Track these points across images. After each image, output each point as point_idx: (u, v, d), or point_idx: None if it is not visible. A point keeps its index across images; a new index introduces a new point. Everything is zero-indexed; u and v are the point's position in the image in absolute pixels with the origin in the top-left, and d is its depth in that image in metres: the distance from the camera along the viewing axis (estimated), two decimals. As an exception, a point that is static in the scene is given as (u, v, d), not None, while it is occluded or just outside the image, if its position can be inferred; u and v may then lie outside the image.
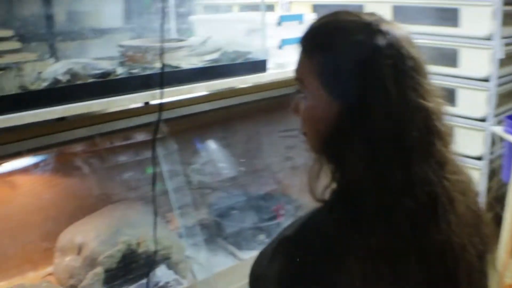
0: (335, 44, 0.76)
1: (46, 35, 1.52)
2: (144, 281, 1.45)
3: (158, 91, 1.32)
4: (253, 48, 1.64)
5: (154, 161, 1.33)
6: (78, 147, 1.44)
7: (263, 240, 1.71)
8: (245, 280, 1.56)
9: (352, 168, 0.72)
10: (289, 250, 0.77)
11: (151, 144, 1.35)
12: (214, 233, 1.72)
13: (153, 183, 1.33)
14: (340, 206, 0.75)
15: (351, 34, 0.75)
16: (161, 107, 1.33)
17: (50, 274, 1.59)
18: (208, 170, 1.78)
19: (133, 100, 1.31)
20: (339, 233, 0.72)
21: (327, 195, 0.77)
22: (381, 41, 0.73)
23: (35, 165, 1.44)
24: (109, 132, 1.38)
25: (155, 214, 1.35)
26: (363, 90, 0.72)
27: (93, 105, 1.22)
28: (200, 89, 1.44)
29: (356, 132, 0.72)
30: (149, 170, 1.45)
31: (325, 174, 0.76)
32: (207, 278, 1.47)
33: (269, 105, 1.79)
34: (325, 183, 0.76)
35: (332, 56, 0.76)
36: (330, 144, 0.76)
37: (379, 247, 0.70)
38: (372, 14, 0.78)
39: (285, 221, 1.80)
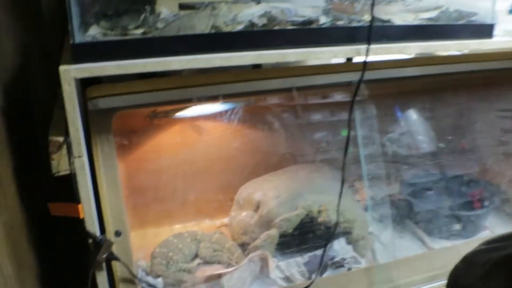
0: None
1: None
2: (319, 252, 1.47)
3: (363, 46, 1.27)
4: (479, 10, 1.49)
5: (350, 124, 1.30)
6: (270, 99, 1.47)
7: (459, 231, 1.60)
8: (431, 272, 1.51)
9: None
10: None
11: (349, 105, 1.32)
12: (403, 213, 1.66)
13: (346, 148, 1.30)
14: None
15: None
16: (365, 65, 1.28)
17: (225, 225, 1.69)
18: (406, 141, 1.70)
19: (334, 54, 1.28)
20: None
21: None
22: None
23: (224, 113, 1.51)
24: (304, 87, 1.38)
25: (342, 182, 1.33)
26: None
27: (288, 54, 1.21)
28: (411, 49, 1.34)
29: None
30: (344, 133, 1.44)
31: None
32: (388, 262, 1.43)
33: (488, 78, 1.63)
34: None
35: None
36: None
37: None
38: None
39: (487, 214, 1.66)
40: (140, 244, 1.56)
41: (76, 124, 1.02)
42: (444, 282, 1.44)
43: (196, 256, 1.50)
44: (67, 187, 1.06)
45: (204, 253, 1.47)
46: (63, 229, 1.21)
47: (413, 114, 1.73)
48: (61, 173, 1.05)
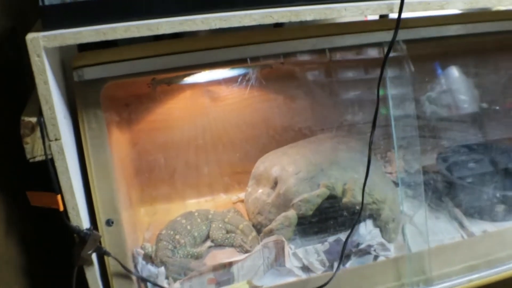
0: None
1: None
2: (342, 236, 1.29)
3: (397, 1, 1.05)
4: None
5: (379, 92, 1.09)
6: (291, 62, 1.26)
7: (503, 213, 1.38)
8: (470, 262, 1.29)
9: None
10: None
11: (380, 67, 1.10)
12: (439, 190, 1.45)
13: (374, 120, 1.09)
14: None
15: None
16: (398, 24, 1.05)
17: (241, 200, 1.53)
18: (445, 104, 1.47)
19: (361, 11, 1.04)
20: None
21: None
22: None
23: (239, 77, 1.32)
24: (330, 49, 1.16)
25: (369, 160, 1.13)
26: None
27: (303, 12, 0.97)
28: (455, 4, 1.11)
29: None
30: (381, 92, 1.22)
31: None
32: (420, 251, 1.22)
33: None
34: None
35: None
36: None
37: None
38: None
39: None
40: (150, 221, 1.41)
41: (50, 102, 0.85)
42: (485, 273, 1.26)
43: (207, 237, 1.33)
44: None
45: (215, 235, 1.31)
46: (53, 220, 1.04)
47: (454, 74, 1.49)
48: (37, 159, 0.88)
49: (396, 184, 1.46)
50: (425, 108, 1.54)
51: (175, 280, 1.18)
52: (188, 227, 1.30)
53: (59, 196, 0.89)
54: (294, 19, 0.92)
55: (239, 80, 1.28)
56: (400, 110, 1.23)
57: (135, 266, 1.15)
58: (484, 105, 1.63)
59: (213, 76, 1.28)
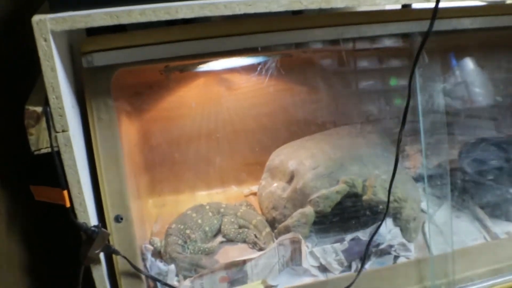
0: None
1: None
2: (360, 235, 1.22)
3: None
4: None
5: (410, 88, 1.01)
6: (311, 52, 1.19)
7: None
8: (494, 265, 1.22)
9: None
10: None
11: (403, 61, 1.02)
12: (461, 187, 1.38)
13: (404, 117, 1.01)
14: None
15: None
16: (435, 13, 0.97)
17: (254, 193, 1.46)
18: (468, 97, 1.39)
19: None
20: None
21: None
22: None
23: (256, 66, 1.24)
24: (352, 39, 1.08)
25: (397, 158, 1.06)
26: None
27: None
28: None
29: None
30: (393, 82, 1.15)
31: None
32: (442, 253, 1.15)
33: None
34: None
35: None
36: None
37: None
38: None
39: None
40: (158, 213, 1.35)
41: (57, 90, 0.78)
42: (510, 277, 1.19)
43: (218, 232, 1.27)
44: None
45: (227, 230, 1.24)
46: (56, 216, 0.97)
47: (469, 67, 1.41)
48: (43, 151, 0.81)
49: (416, 179, 1.40)
50: (447, 104, 1.46)
51: (185, 277, 1.12)
52: (199, 221, 1.23)
53: (65, 192, 0.82)
54: (324, 5, 0.84)
55: (257, 68, 1.21)
56: (426, 104, 1.16)
57: (144, 263, 1.09)
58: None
59: (229, 64, 1.21)
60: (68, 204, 0.82)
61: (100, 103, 0.91)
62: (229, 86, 1.29)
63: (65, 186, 0.82)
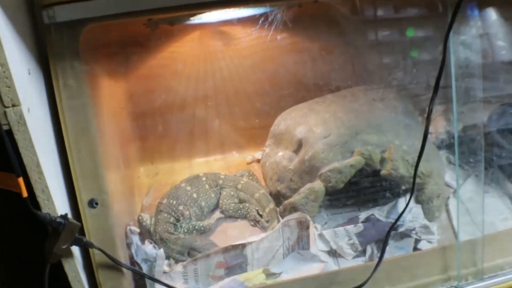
0: None
1: None
2: (377, 213, 1.07)
3: None
4: None
5: (446, 48, 0.82)
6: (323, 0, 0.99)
7: None
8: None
9: None
10: None
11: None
12: (489, 157, 1.21)
13: (438, 80, 0.83)
14: None
15: None
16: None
17: (257, 160, 1.30)
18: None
19: None
20: None
21: None
22: None
23: (258, 17, 1.05)
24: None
25: (426, 132, 0.88)
26: None
27: None
28: None
29: None
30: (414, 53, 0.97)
31: None
32: (469, 239, 0.99)
33: None
34: None
35: None
36: None
37: None
38: None
39: None
40: (150, 183, 1.20)
41: (1, 56, 0.61)
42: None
43: (215, 207, 1.12)
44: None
45: (226, 205, 1.10)
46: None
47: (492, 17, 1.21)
48: (-9, 130, 0.65)
49: (438, 146, 1.24)
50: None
51: (177, 261, 0.98)
52: (194, 195, 1.08)
53: (20, 179, 0.66)
54: None
55: (259, 20, 1.02)
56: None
57: (129, 247, 0.95)
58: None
59: (227, 16, 1.02)
60: (24, 194, 0.67)
61: (66, 67, 0.75)
62: (228, 41, 1.11)
63: (19, 172, 0.66)
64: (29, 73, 0.70)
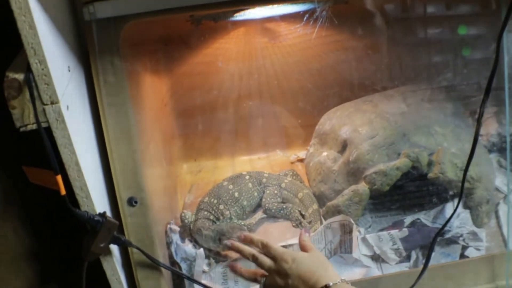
0: None
1: None
2: (423, 218, 1.01)
3: None
4: None
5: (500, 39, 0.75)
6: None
7: None
8: None
9: None
10: None
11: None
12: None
13: (490, 78, 0.76)
14: None
15: None
16: None
17: (300, 159, 1.26)
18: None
19: None
20: None
21: None
22: None
23: (304, 14, 1.01)
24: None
25: (476, 136, 0.82)
26: None
27: None
28: None
29: None
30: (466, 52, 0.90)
31: None
32: None
33: None
34: None
35: None
36: None
37: None
38: None
39: None
40: (193, 181, 1.18)
41: (40, 53, 0.59)
42: None
43: (258, 207, 1.09)
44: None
45: (269, 204, 1.05)
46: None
47: None
48: (30, 127, 0.63)
49: (489, 150, 1.16)
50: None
51: (217, 261, 0.95)
52: (236, 194, 1.05)
53: (59, 177, 0.64)
54: None
55: (304, 17, 0.97)
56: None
57: (168, 246, 0.93)
58: None
59: (271, 12, 0.98)
60: (63, 192, 0.65)
61: (106, 64, 0.72)
62: (272, 38, 1.07)
63: (57, 170, 0.64)
64: (69, 70, 0.68)
